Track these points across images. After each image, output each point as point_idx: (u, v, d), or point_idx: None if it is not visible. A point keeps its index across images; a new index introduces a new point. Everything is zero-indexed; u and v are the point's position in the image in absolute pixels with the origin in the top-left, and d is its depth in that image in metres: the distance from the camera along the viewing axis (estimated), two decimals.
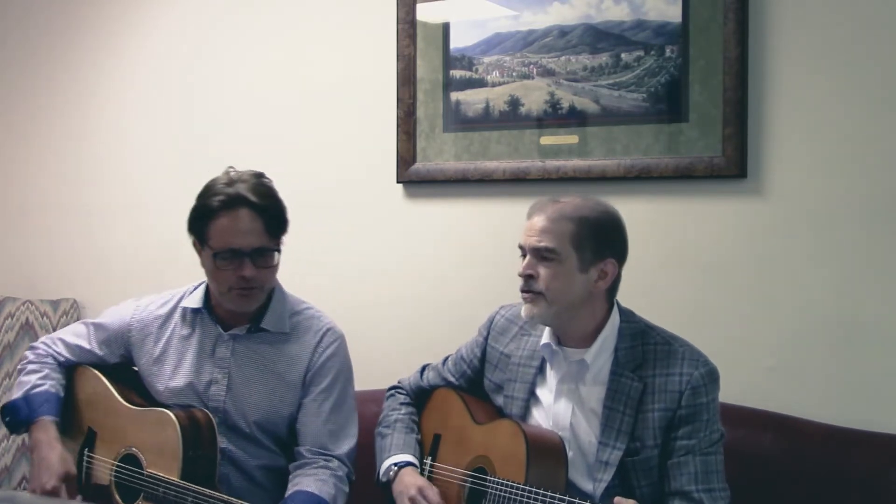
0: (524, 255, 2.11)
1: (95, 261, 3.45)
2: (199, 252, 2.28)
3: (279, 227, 2.27)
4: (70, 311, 3.40)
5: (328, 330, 2.35)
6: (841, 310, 2.42)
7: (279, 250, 2.28)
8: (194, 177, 3.21)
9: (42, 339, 2.48)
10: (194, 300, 2.36)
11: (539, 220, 2.09)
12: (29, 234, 3.60)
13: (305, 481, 2.18)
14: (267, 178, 2.30)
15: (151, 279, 3.21)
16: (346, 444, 2.29)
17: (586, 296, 2.09)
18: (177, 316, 2.37)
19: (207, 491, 2.10)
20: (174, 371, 2.33)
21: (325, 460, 2.24)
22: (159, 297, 2.43)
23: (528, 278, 2.09)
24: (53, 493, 2.19)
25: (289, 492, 2.19)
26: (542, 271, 2.07)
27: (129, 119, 3.41)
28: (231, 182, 2.24)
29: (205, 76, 3.28)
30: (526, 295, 2.10)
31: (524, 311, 2.12)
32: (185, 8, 3.31)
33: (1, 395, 3.29)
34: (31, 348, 2.44)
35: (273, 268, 2.28)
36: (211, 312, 2.34)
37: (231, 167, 2.30)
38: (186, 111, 3.31)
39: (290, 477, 2.24)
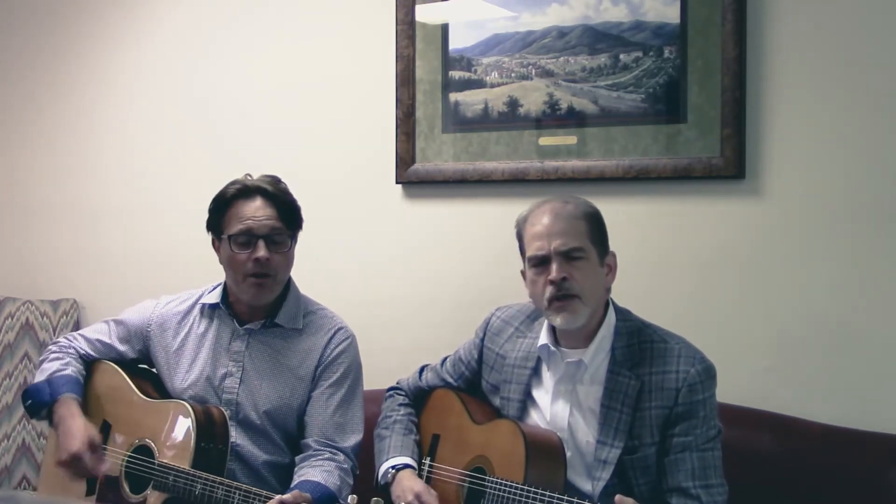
0: (539, 265, 2.08)
1: (95, 261, 3.45)
2: (218, 249, 2.40)
3: (292, 218, 2.38)
4: (70, 311, 3.41)
5: (340, 328, 2.44)
6: (839, 309, 2.42)
7: (293, 239, 2.38)
8: (195, 177, 3.25)
9: (63, 335, 2.57)
10: (213, 297, 2.46)
11: (553, 225, 2.08)
12: (29, 234, 3.60)
13: (311, 472, 2.24)
14: (283, 183, 2.42)
15: (151, 279, 3.21)
16: (353, 438, 2.35)
17: (605, 292, 2.12)
18: (195, 312, 2.47)
19: (216, 477, 2.15)
20: (191, 364, 2.42)
21: (332, 453, 2.29)
22: (178, 295, 2.54)
23: (563, 281, 2.05)
24: (77, 458, 2.23)
25: (294, 481, 2.23)
26: (575, 272, 2.06)
27: (131, 119, 3.41)
28: (246, 180, 2.39)
29: (205, 78, 3.28)
30: (559, 302, 2.06)
31: (561, 319, 2.07)
32: (185, 10, 3.31)
33: (0, 395, 3.29)
34: (54, 342, 2.53)
35: (286, 255, 2.37)
36: (229, 308, 2.43)
37: (248, 174, 2.42)
38: (187, 112, 3.31)
39: (296, 469, 2.29)
